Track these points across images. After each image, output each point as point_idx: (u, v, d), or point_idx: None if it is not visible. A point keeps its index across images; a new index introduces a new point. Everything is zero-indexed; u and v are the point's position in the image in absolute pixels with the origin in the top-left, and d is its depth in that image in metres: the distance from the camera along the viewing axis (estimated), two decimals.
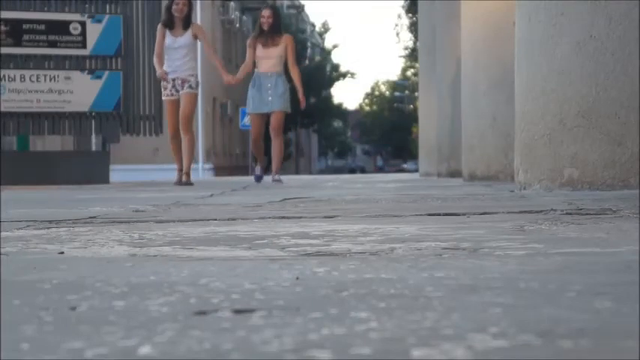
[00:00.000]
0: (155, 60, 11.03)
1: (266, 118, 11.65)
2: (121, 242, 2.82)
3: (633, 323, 1.27)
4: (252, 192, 7.91)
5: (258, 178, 11.80)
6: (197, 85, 11.00)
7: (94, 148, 15.13)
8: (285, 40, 11.74)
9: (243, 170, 37.72)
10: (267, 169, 13.06)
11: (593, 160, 5.63)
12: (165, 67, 10.85)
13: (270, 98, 11.47)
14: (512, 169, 6.86)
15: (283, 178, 11.23)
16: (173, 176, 11.46)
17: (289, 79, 11.97)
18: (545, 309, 1.41)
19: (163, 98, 11.13)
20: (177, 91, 10.84)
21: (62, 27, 12.78)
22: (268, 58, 11.57)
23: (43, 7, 12.86)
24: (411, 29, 52.69)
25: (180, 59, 10.87)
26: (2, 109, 12.59)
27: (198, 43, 11.27)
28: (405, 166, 72.61)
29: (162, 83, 10.97)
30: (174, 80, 10.84)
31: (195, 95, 10.99)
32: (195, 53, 11.03)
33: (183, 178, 10.87)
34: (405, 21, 56.93)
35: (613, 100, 5.59)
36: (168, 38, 10.92)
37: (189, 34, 10.94)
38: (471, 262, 2.11)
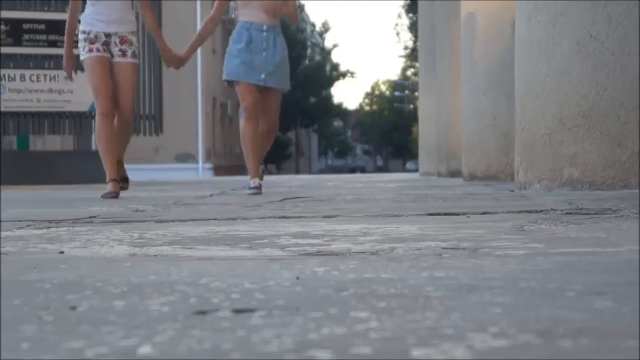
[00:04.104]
0: (66, 37, 7.45)
1: (259, 89, 7.43)
2: (120, 242, 2.82)
3: (633, 323, 1.27)
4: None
5: (256, 190, 7.27)
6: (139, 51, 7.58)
7: (94, 147, 15.14)
8: None
9: (243, 170, 37.71)
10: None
11: (593, 160, 5.63)
12: (90, 18, 7.18)
13: (263, 66, 7.33)
14: (513, 168, 6.86)
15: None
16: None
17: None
18: (545, 309, 1.41)
19: (86, 56, 7.13)
20: (111, 53, 7.14)
21: (62, 27, 12.74)
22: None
23: (43, 6, 12.87)
24: (411, 29, 52.76)
25: (117, 8, 7.19)
26: (2, 109, 12.61)
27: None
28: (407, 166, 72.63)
29: (84, 37, 7.17)
30: (108, 37, 7.14)
31: (138, 66, 7.52)
32: (132, 6, 7.44)
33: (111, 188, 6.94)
34: (405, 21, 57.05)
35: (613, 100, 5.58)
36: None
37: None
38: (471, 262, 2.11)
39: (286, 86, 7.57)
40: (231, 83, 7.52)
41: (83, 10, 7.31)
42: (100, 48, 7.10)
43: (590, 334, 1.20)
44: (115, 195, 6.80)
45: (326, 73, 61.35)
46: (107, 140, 7.10)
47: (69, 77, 7.47)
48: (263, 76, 7.31)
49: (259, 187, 7.26)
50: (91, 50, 7.10)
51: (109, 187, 6.92)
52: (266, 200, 5.83)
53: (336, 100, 70.85)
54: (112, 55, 7.16)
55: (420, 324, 1.29)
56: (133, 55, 7.22)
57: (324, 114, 61.90)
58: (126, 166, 7.57)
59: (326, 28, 69.74)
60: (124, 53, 7.17)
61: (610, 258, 2.15)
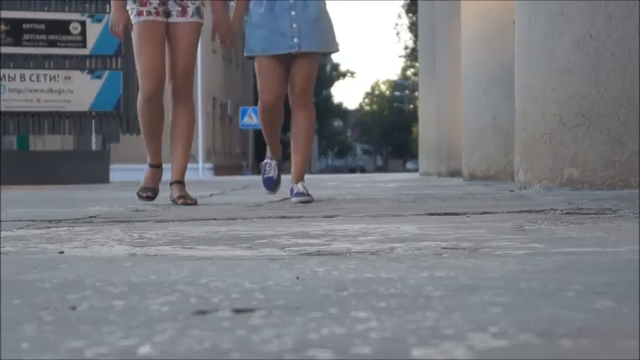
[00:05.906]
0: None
1: (286, 65, 5.75)
2: (120, 242, 2.82)
3: (633, 323, 1.27)
4: (252, 191, 7.90)
5: (270, 183, 6.11)
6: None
7: (94, 147, 15.15)
8: None
9: (243, 170, 37.71)
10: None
11: (593, 160, 5.63)
12: None
13: (294, 25, 5.67)
14: (512, 168, 6.86)
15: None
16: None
17: None
18: (545, 309, 1.41)
19: (134, 21, 5.53)
20: (169, 13, 5.59)
21: (62, 26, 12.79)
22: None
23: (43, 6, 12.86)
24: (411, 29, 52.80)
25: None
26: (2, 109, 12.60)
27: None
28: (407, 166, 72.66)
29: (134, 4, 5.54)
30: None
31: (201, 27, 5.77)
32: None
33: (175, 194, 5.48)
34: (405, 21, 57.16)
35: (613, 100, 5.59)
36: None
37: None
38: (471, 261, 2.11)
39: (331, 48, 5.86)
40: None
41: None
42: (153, 10, 5.50)
43: (590, 334, 1.20)
44: (150, 195, 5.63)
45: (326, 73, 61.41)
46: (152, 121, 5.66)
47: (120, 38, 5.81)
48: (296, 40, 5.67)
49: (274, 180, 6.01)
50: (140, 13, 5.51)
51: (146, 178, 5.69)
52: (266, 200, 5.83)
53: (336, 100, 70.96)
54: (169, 14, 5.60)
55: (420, 324, 1.29)
56: (197, 12, 5.66)
57: (324, 114, 61.96)
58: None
59: None
60: (184, 10, 5.59)
61: (610, 258, 2.15)
